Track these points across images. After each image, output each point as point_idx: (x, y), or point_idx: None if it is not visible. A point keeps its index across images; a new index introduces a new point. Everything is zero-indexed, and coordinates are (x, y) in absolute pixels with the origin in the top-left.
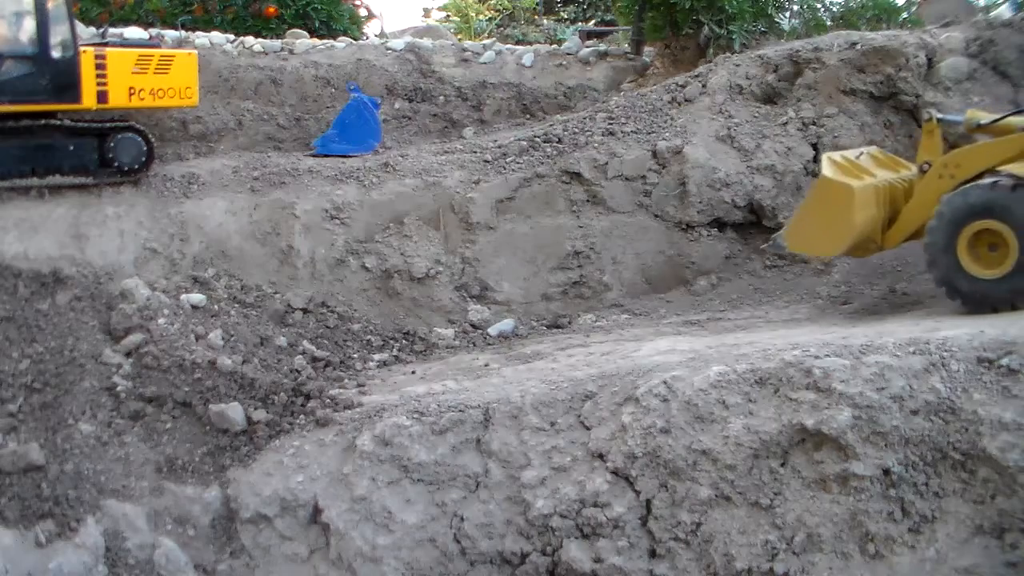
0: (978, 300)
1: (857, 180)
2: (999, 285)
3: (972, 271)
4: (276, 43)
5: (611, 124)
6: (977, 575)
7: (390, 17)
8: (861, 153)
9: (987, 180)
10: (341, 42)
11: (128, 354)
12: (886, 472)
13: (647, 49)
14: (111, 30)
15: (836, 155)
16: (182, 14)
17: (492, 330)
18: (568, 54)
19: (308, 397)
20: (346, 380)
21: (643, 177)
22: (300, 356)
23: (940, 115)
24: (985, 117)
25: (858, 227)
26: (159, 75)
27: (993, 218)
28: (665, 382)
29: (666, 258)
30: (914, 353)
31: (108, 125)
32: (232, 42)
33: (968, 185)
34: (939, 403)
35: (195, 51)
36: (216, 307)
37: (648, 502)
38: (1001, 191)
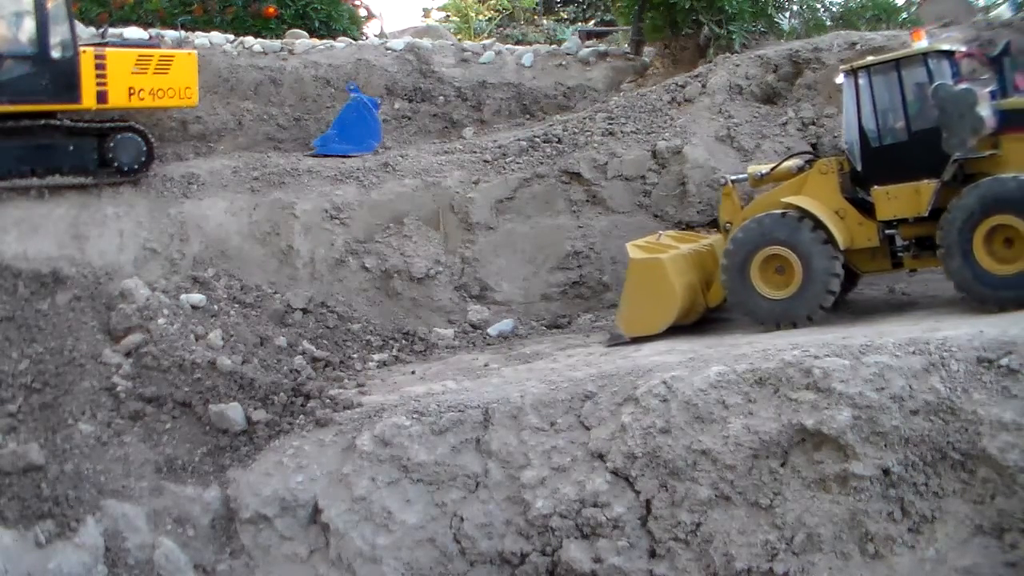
0: (772, 318)
1: (664, 253)
2: (789, 304)
3: (764, 292)
4: (276, 43)
5: (611, 124)
6: (977, 575)
7: (390, 17)
8: (660, 235)
9: (762, 214)
10: (341, 42)
11: (128, 354)
12: (886, 472)
13: (647, 49)
14: (111, 30)
15: (638, 242)
16: (182, 14)
17: (492, 330)
18: (568, 54)
19: (308, 397)
20: (346, 380)
21: (643, 177)
22: (300, 356)
23: (732, 177)
24: (764, 168)
25: (680, 293)
26: (159, 75)
27: (776, 244)
28: (665, 382)
29: None
30: (914, 353)
31: (108, 125)
32: (232, 42)
33: (749, 219)
34: (939, 403)
35: (195, 51)
36: (216, 307)
37: (648, 502)
38: (772, 219)
